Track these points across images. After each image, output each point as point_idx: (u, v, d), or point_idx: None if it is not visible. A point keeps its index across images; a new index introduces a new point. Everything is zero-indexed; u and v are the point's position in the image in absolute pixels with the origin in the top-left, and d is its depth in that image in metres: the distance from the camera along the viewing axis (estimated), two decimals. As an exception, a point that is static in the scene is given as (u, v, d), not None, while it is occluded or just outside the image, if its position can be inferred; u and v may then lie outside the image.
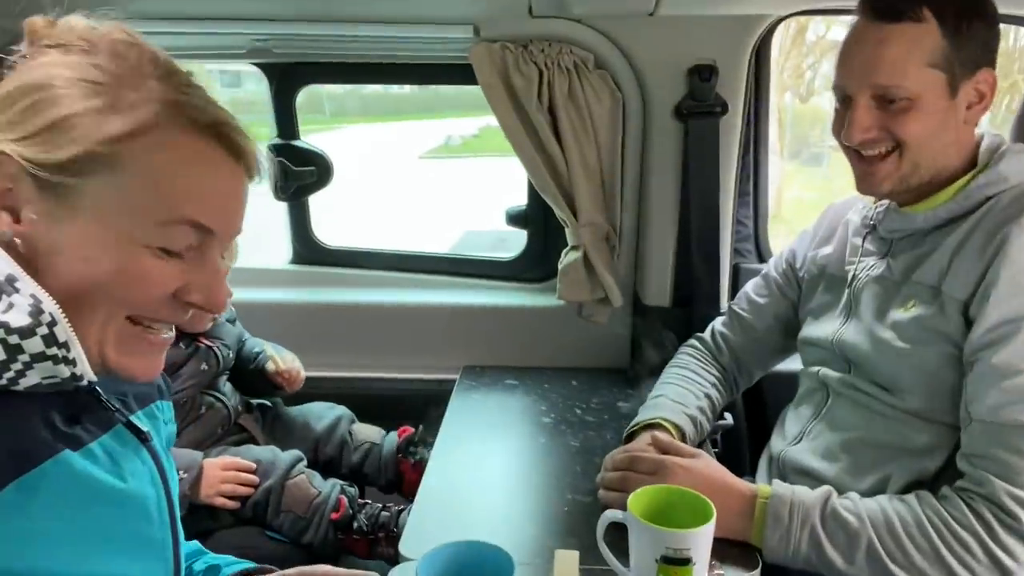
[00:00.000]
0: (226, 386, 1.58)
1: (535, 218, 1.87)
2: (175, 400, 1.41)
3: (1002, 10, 1.00)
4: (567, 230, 1.70)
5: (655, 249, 1.70)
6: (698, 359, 1.40)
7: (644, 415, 1.26)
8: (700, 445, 1.28)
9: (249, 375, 1.63)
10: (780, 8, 1.49)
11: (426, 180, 11.87)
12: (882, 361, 1.07)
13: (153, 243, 0.63)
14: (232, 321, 1.63)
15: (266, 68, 1.76)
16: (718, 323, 1.43)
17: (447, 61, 1.68)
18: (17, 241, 0.60)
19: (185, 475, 1.32)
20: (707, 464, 1.07)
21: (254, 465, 1.43)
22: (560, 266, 1.73)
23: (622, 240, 1.73)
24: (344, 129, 16.65)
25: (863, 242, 1.15)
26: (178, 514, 0.77)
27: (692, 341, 1.46)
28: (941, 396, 1.00)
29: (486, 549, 0.79)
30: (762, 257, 1.83)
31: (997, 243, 0.94)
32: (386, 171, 12.50)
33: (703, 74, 1.51)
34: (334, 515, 1.44)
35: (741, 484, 1.05)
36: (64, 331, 0.59)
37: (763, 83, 1.67)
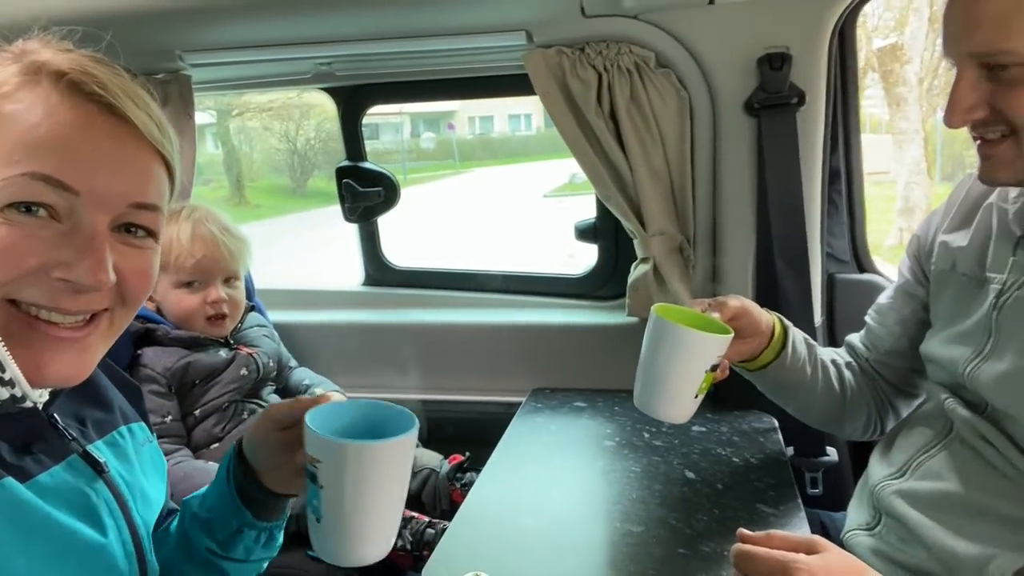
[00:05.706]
0: (271, 396, 1.59)
1: (605, 231, 1.78)
2: (218, 405, 1.42)
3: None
4: (635, 242, 1.59)
5: (733, 259, 1.55)
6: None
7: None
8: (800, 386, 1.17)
9: None
10: (860, -15, 1.34)
11: (550, 216, 11.96)
12: None
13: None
14: (270, 337, 1.65)
15: (332, 92, 1.81)
16: (852, 336, 1.25)
17: (504, 72, 1.65)
18: None
19: None
20: (843, 557, 0.77)
21: None
22: (629, 280, 1.62)
23: (696, 250, 1.59)
24: (473, 172, 17.24)
25: (1014, 251, 0.92)
26: (146, 544, 0.74)
27: None
28: None
29: (384, 408, 0.72)
30: (862, 267, 1.63)
31: None
32: (511, 208, 12.73)
33: (775, 63, 1.38)
34: None
35: None
36: None
37: (849, 72, 1.50)
